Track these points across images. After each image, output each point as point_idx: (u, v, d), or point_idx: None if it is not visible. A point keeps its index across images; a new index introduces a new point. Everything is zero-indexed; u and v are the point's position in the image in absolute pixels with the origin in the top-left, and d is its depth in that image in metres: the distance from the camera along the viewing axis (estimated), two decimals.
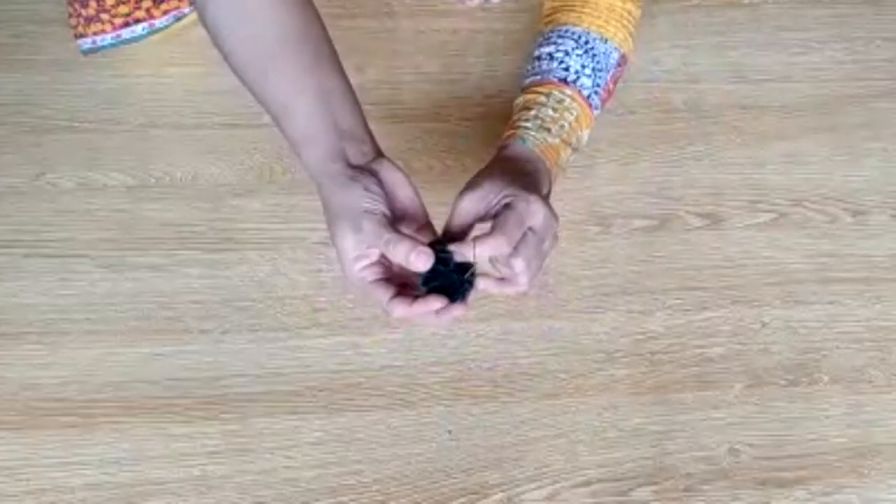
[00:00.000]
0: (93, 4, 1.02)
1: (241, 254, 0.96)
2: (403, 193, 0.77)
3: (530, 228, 0.77)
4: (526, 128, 0.87)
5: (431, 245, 0.74)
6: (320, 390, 0.89)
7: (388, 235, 0.73)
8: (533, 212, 0.77)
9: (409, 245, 0.73)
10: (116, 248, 0.95)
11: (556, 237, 0.80)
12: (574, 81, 0.89)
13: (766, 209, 1.00)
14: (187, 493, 0.84)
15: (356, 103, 0.80)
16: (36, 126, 1.02)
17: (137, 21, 1.04)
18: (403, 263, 0.73)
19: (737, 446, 0.88)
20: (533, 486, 0.86)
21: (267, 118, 1.03)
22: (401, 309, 0.74)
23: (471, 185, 0.79)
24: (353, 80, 0.82)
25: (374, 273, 0.75)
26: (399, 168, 0.77)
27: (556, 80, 0.89)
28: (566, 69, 0.90)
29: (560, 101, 0.89)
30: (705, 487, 0.86)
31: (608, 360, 0.92)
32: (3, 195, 0.98)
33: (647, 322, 0.94)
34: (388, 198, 0.76)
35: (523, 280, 0.77)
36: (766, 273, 0.97)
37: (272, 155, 1.01)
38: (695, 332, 0.93)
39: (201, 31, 1.08)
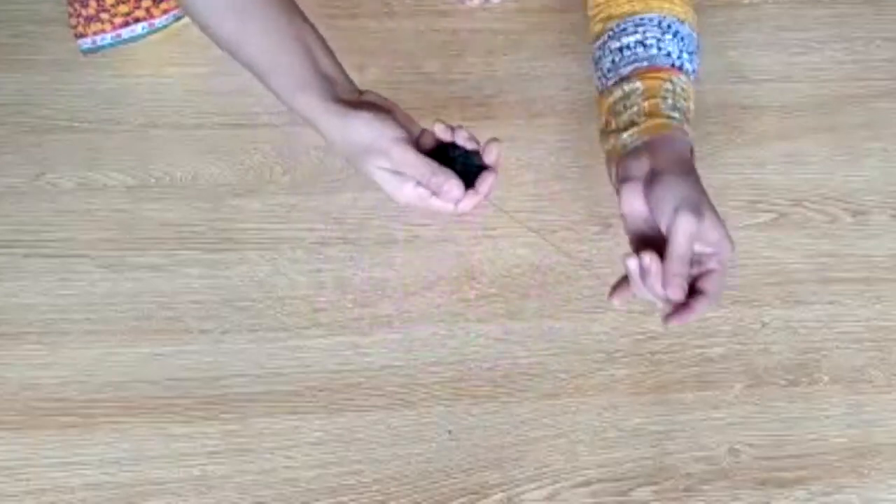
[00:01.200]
0: (93, 4, 1.02)
1: (241, 254, 0.96)
2: (399, 115, 0.82)
3: (716, 269, 0.76)
4: (676, 118, 0.83)
5: (444, 146, 0.82)
6: (320, 390, 0.89)
7: (425, 165, 0.79)
8: (723, 254, 0.76)
9: (443, 177, 0.79)
10: (116, 248, 0.95)
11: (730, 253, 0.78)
12: (681, 67, 0.88)
13: (766, 209, 1.00)
14: (187, 493, 0.84)
15: (330, 50, 0.84)
16: (36, 126, 1.02)
17: (137, 20, 1.04)
18: (436, 191, 0.80)
19: (737, 446, 0.88)
20: (533, 486, 0.86)
21: (267, 118, 1.04)
22: (469, 203, 0.80)
23: (693, 210, 0.74)
24: (353, 80, 0.83)
25: (422, 192, 0.80)
26: (382, 97, 0.83)
27: (667, 66, 0.87)
28: (668, 55, 0.87)
29: (684, 90, 0.87)
30: (705, 487, 0.86)
31: (608, 360, 0.92)
32: (3, 195, 0.98)
33: (647, 322, 0.94)
34: (391, 113, 0.81)
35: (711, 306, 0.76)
36: (766, 273, 0.97)
37: (272, 155, 1.01)
38: (695, 332, 0.93)
39: (201, 31, 1.08)
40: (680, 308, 0.75)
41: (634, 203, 0.79)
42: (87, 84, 1.05)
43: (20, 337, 0.91)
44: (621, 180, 0.80)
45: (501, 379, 0.91)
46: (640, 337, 0.93)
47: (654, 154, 0.80)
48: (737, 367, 0.92)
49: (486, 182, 0.81)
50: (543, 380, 0.91)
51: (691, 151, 0.83)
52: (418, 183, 0.80)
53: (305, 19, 0.85)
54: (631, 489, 0.86)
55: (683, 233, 0.74)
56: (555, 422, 0.89)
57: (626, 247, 0.98)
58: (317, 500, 0.85)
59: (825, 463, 0.88)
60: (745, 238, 0.98)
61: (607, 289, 0.95)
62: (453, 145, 0.83)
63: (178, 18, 1.06)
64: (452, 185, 0.79)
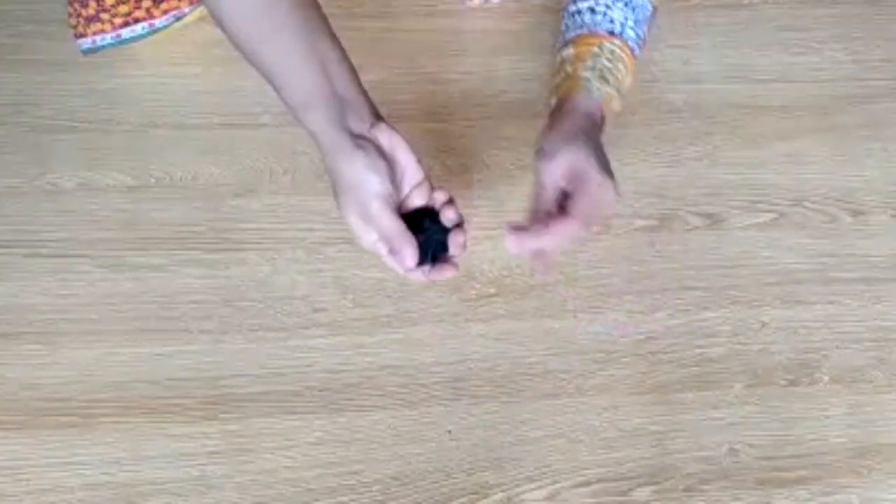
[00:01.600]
0: (93, 4, 1.02)
1: (241, 254, 0.96)
2: (402, 155, 0.81)
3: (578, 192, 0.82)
4: (587, 78, 0.90)
5: (421, 211, 0.82)
6: (320, 390, 0.89)
7: (393, 228, 0.80)
8: (607, 194, 0.83)
9: (404, 247, 0.80)
10: (116, 248, 0.95)
11: (607, 186, 0.84)
12: (621, 33, 0.92)
13: (766, 209, 1.00)
14: (187, 493, 0.84)
15: (352, 69, 0.83)
16: (36, 126, 1.02)
17: (137, 21, 1.04)
18: (394, 255, 0.81)
19: (737, 446, 0.88)
20: (533, 486, 0.86)
21: (267, 118, 1.04)
22: (416, 276, 0.83)
23: (550, 155, 0.83)
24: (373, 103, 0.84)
25: (381, 247, 0.82)
26: (395, 130, 0.81)
27: (604, 32, 0.92)
28: (611, 21, 0.92)
29: (612, 52, 0.91)
30: (705, 487, 0.86)
31: (608, 360, 0.92)
32: (3, 195, 0.98)
33: (647, 322, 0.94)
34: (389, 163, 0.80)
35: (575, 229, 0.82)
36: (766, 273, 0.97)
37: (272, 155, 1.01)
38: (695, 332, 0.93)
39: (201, 31, 1.08)
40: (532, 234, 0.81)
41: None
42: (87, 84, 1.05)
43: (20, 337, 0.91)
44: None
45: (501, 379, 0.91)
46: (640, 337, 0.93)
47: (555, 112, 0.89)
48: (737, 367, 0.92)
49: (441, 271, 0.83)
50: (543, 380, 0.91)
51: (601, 111, 0.89)
52: (382, 239, 0.81)
53: (330, 38, 0.83)
54: (631, 489, 0.86)
55: (537, 175, 0.82)
56: (555, 422, 0.89)
57: (625, 247, 0.98)
58: (317, 500, 0.85)
59: (825, 463, 0.88)
60: (745, 238, 0.98)
61: (607, 289, 0.95)
62: (434, 214, 0.83)
63: (178, 18, 1.06)
64: (406, 255, 0.80)
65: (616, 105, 0.92)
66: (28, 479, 0.85)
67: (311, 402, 0.89)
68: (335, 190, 0.81)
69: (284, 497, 0.85)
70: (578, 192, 0.82)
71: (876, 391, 0.91)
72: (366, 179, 0.79)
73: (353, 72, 0.84)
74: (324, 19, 0.85)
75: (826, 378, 0.92)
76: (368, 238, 0.81)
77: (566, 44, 0.94)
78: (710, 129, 1.05)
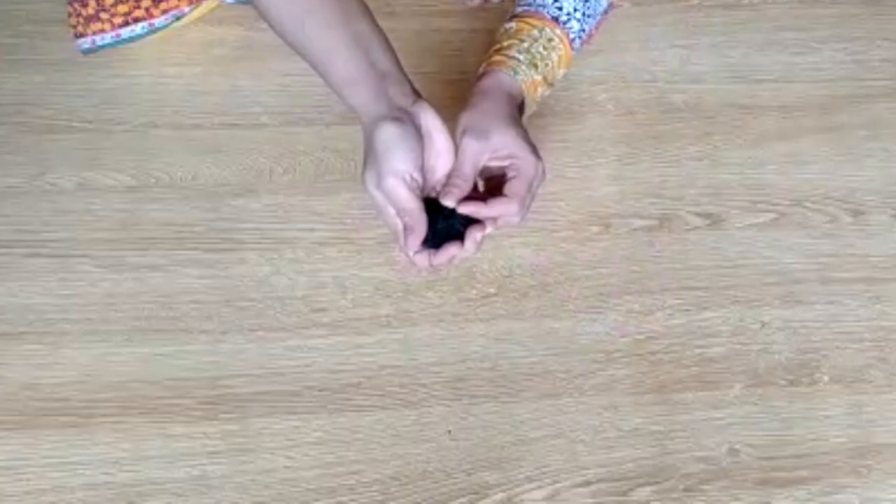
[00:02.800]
0: (92, 3, 1.02)
1: (241, 254, 0.96)
2: (438, 138, 0.82)
3: (515, 176, 0.85)
4: (518, 60, 0.91)
5: (433, 200, 0.83)
6: (320, 390, 0.89)
7: (407, 202, 0.81)
8: (537, 173, 0.85)
9: (414, 221, 0.81)
10: (116, 248, 0.95)
11: (540, 168, 0.86)
12: (565, 23, 0.93)
13: (766, 209, 1.00)
14: (187, 493, 0.84)
15: (391, 48, 0.85)
16: (36, 126, 1.02)
17: (137, 20, 1.04)
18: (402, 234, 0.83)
19: (737, 446, 0.88)
20: (533, 486, 0.86)
21: (266, 118, 1.04)
22: (420, 260, 0.85)
23: (477, 134, 0.85)
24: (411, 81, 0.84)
25: (398, 224, 0.83)
26: (436, 114, 0.82)
27: (548, 16, 0.93)
28: (559, 9, 0.93)
29: (550, 40, 0.92)
30: (705, 487, 0.86)
31: (608, 360, 0.92)
32: (3, 195, 0.98)
33: (647, 322, 0.94)
34: (424, 143, 0.82)
35: (518, 220, 0.86)
36: (766, 273, 0.97)
37: (272, 155, 1.01)
38: (695, 332, 0.93)
39: (201, 31, 1.09)
40: (477, 204, 0.83)
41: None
42: (86, 84, 1.05)
43: (20, 337, 0.91)
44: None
45: (501, 379, 0.91)
46: (640, 337, 0.93)
47: (476, 84, 0.91)
48: (737, 367, 0.92)
49: (446, 253, 0.84)
50: (543, 380, 0.91)
51: (521, 94, 0.91)
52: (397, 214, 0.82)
53: (366, 15, 0.85)
54: (631, 489, 0.86)
55: (462, 152, 0.84)
56: (555, 422, 0.89)
57: (625, 247, 0.98)
58: (317, 500, 0.85)
59: (825, 463, 0.87)
60: (745, 238, 0.98)
61: (607, 289, 0.95)
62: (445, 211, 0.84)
63: (177, 18, 1.06)
64: (414, 237, 0.82)
65: (540, 93, 0.93)
66: (28, 479, 0.85)
67: (310, 402, 0.89)
68: (364, 161, 0.82)
69: (284, 497, 0.85)
70: (516, 175, 0.84)
71: (876, 391, 0.91)
72: (390, 151, 0.80)
73: (392, 49, 0.85)
74: (361, 2, 0.86)
75: (826, 378, 0.92)
76: (386, 212, 0.82)
77: (511, 16, 0.95)
78: (710, 129, 1.05)
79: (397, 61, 0.85)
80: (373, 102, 0.81)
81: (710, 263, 0.97)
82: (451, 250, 0.84)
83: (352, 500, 0.85)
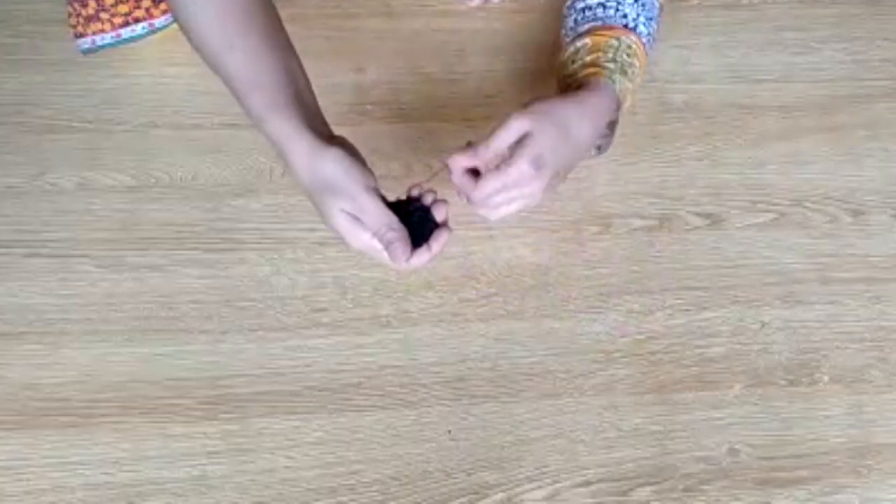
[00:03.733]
0: (92, 4, 1.02)
1: (241, 254, 0.96)
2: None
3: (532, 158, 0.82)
4: (610, 69, 0.90)
5: (399, 202, 0.82)
6: (320, 390, 0.89)
7: (389, 219, 0.79)
8: (526, 175, 0.82)
9: (396, 238, 0.79)
10: (116, 248, 0.95)
11: (535, 200, 0.84)
12: (635, 28, 0.93)
13: (766, 209, 1.00)
14: (187, 493, 0.84)
15: (309, 83, 0.83)
16: (36, 126, 1.02)
17: (137, 20, 1.04)
18: (387, 250, 0.80)
19: (737, 446, 0.88)
20: (533, 486, 0.86)
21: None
22: (418, 260, 0.81)
23: (530, 111, 0.83)
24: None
25: (376, 244, 0.80)
26: (349, 143, 0.81)
27: (619, 26, 0.92)
28: (625, 17, 0.93)
29: (629, 47, 0.91)
30: (705, 487, 0.86)
31: (608, 360, 0.92)
32: (3, 195, 0.98)
33: (647, 322, 0.94)
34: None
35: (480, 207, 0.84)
36: (766, 273, 0.97)
37: (272, 155, 1.01)
38: (695, 332, 0.93)
39: None
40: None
41: None
42: (86, 84, 1.05)
43: (20, 337, 0.91)
44: None
45: (501, 379, 0.91)
46: (640, 337, 0.93)
47: (572, 92, 0.88)
48: (737, 367, 0.92)
49: (439, 240, 0.82)
50: (543, 380, 0.91)
51: (617, 102, 0.89)
52: (375, 233, 0.80)
53: (291, 47, 0.83)
54: (631, 489, 0.86)
55: (507, 122, 0.82)
56: (555, 422, 0.89)
57: (625, 247, 0.98)
58: (317, 500, 0.85)
59: (825, 463, 0.88)
60: (745, 238, 0.98)
61: (607, 289, 0.95)
62: (413, 199, 0.83)
63: None
64: (400, 247, 0.79)
65: (632, 98, 0.93)
66: (28, 479, 0.85)
67: (310, 402, 0.89)
68: (314, 194, 0.79)
69: (284, 497, 0.85)
70: (517, 151, 0.82)
71: (876, 391, 0.91)
72: (350, 172, 0.78)
73: (311, 88, 0.83)
74: (282, 24, 0.84)
75: (826, 378, 0.92)
76: (362, 237, 0.80)
77: (579, 35, 0.93)
78: (710, 129, 1.05)
79: (316, 101, 0.83)
80: (305, 132, 0.78)
81: (710, 263, 0.97)
82: (442, 237, 0.82)
83: (352, 500, 0.85)
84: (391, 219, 0.79)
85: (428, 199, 0.83)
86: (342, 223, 0.79)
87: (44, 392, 0.88)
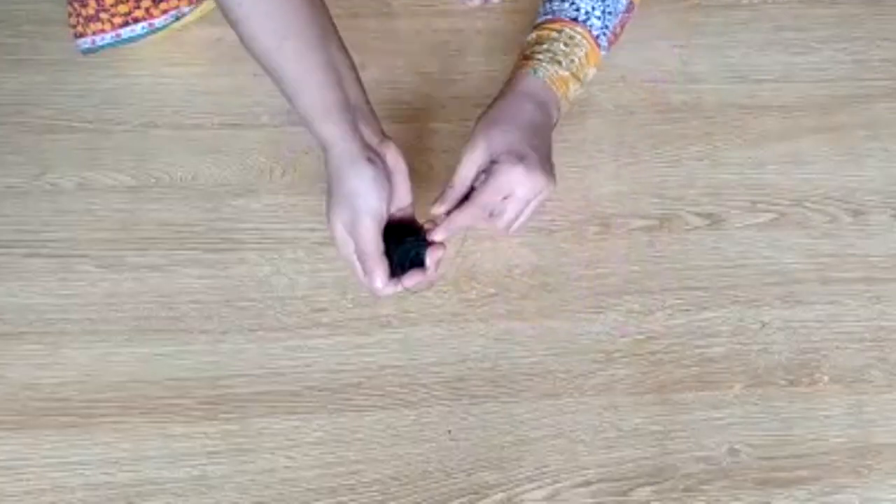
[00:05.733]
0: (92, 4, 1.02)
1: (241, 254, 0.96)
2: (399, 178, 0.85)
3: (508, 196, 0.87)
4: (538, 59, 0.92)
5: (403, 226, 0.86)
6: (320, 390, 0.89)
7: (371, 249, 0.83)
8: (514, 182, 0.86)
9: (374, 273, 0.84)
10: (116, 248, 0.95)
11: (544, 183, 0.88)
12: (584, 21, 0.94)
13: (766, 209, 1.00)
14: (187, 493, 0.84)
15: (359, 78, 0.85)
16: (36, 126, 1.02)
17: (137, 20, 1.04)
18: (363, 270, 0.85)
19: (737, 446, 0.88)
20: (533, 486, 0.86)
21: (267, 118, 1.04)
22: (391, 290, 0.86)
23: (473, 140, 0.87)
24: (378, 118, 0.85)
25: (356, 262, 0.85)
26: (402, 157, 0.85)
27: (567, 18, 0.93)
28: (577, 10, 0.94)
29: (571, 38, 0.93)
30: (705, 487, 0.86)
31: (608, 360, 0.92)
32: (3, 195, 0.98)
33: (647, 322, 0.94)
34: (389, 182, 0.84)
35: (501, 231, 0.90)
36: (766, 273, 0.97)
37: (272, 155, 1.01)
38: (695, 332, 0.93)
39: (201, 31, 1.09)
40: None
41: None
42: (86, 84, 1.05)
43: (20, 337, 0.91)
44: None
45: (501, 379, 0.91)
46: (640, 337, 0.93)
47: (499, 93, 0.92)
48: (737, 367, 0.92)
49: (411, 278, 0.86)
50: (543, 380, 0.91)
51: (551, 93, 0.92)
52: (356, 253, 0.84)
53: (342, 47, 0.85)
54: (631, 489, 0.86)
55: (461, 158, 0.87)
56: (555, 422, 0.89)
57: (625, 247, 0.98)
58: (317, 500, 0.85)
59: (825, 463, 0.87)
60: (745, 238, 0.98)
61: (607, 289, 0.95)
62: (414, 228, 0.87)
63: (177, 18, 1.06)
64: (376, 276, 0.84)
65: (573, 87, 0.94)
66: (28, 479, 0.85)
67: (310, 402, 0.89)
68: (330, 193, 0.83)
69: (284, 497, 0.85)
70: (484, 181, 0.86)
71: (876, 391, 0.91)
72: (367, 193, 0.81)
73: (360, 80, 0.85)
74: (333, 24, 0.85)
75: (826, 378, 0.92)
76: (347, 249, 0.84)
77: (532, 29, 0.96)
78: (710, 129, 1.05)
79: (365, 93, 0.85)
80: (344, 138, 0.81)
81: (710, 263, 0.97)
82: (416, 276, 0.86)
83: (352, 500, 0.85)
84: (372, 250, 0.83)
85: (432, 236, 0.86)
86: (338, 231, 0.83)
87: (44, 392, 0.88)
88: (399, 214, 0.87)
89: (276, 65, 0.82)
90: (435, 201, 0.87)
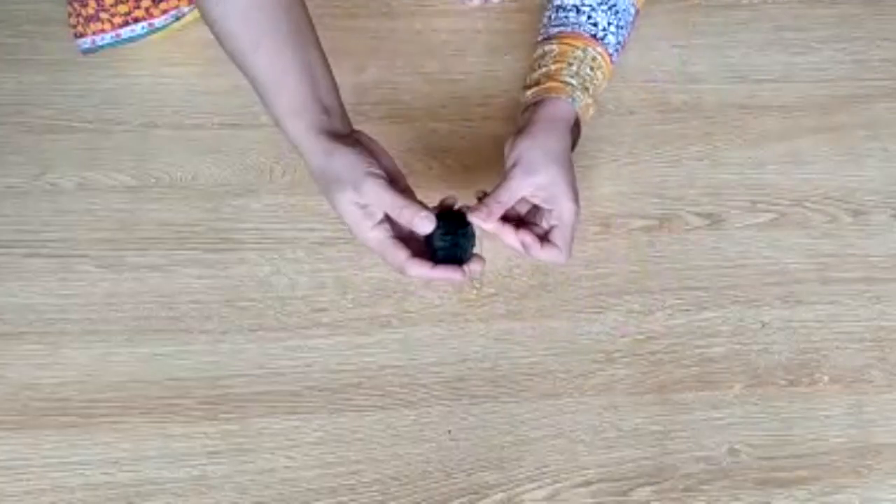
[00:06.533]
0: (92, 3, 1.02)
1: (241, 254, 0.96)
2: (384, 161, 0.83)
3: (559, 227, 0.85)
4: (572, 85, 0.91)
5: (451, 212, 0.83)
6: (320, 390, 0.89)
7: (395, 199, 0.79)
8: (575, 217, 0.85)
9: (413, 209, 0.79)
10: (116, 248, 0.95)
11: (578, 213, 0.87)
12: (602, 39, 0.94)
13: (766, 209, 1.00)
14: (187, 493, 0.84)
15: (332, 76, 0.85)
16: (36, 126, 1.02)
17: (137, 20, 1.04)
18: (408, 226, 0.80)
19: (737, 446, 0.88)
20: (533, 486, 0.86)
21: (266, 118, 1.03)
22: (417, 270, 0.81)
23: (526, 169, 0.85)
24: (352, 80, 0.84)
25: (387, 231, 0.81)
26: (373, 139, 0.84)
27: (587, 35, 0.93)
28: (595, 25, 0.94)
29: (594, 59, 0.93)
30: (705, 487, 0.86)
31: (608, 360, 0.92)
32: (3, 195, 0.98)
33: (647, 322, 0.94)
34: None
35: (562, 259, 0.86)
36: (766, 273, 0.97)
37: (272, 155, 1.01)
38: (695, 332, 0.93)
39: (201, 31, 1.08)
40: (532, 247, 0.85)
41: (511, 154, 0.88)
42: (86, 84, 1.05)
43: (20, 337, 0.91)
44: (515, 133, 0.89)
45: (501, 379, 0.91)
46: (640, 337, 0.93)
47: (534, 112, 0.90)
48: (737, 367, 0.92)
49: (443, 271, 0.82)
50: (543, 380, 0.91)
51: (576, 118, 0.92)
52: (379, 223, 0.80)
53: (317, 46, 0.85)
54: (631, 489, 0.86)
55: (508, 181, 0.85)
56: (555, 422, 0.89)
57: (625, 247, 0.98)
58: (317, 500, 0.85)
59: (825, 463, 0.88)
60: (745, 238, 0.98)
61: (607, 289, 0.95)
62: (458, 223, 0.84)
63: (177, 18, 1.06)
64: (422, 218, 0.80)
65: (591, 112, 0.95)
66: (28, 479, 0.85)
67: (310, 402, 0.89)
68: (326, 192, 0.82)
69: (284, 497, 0.85)
70: (558, 224, 0.85)
71: (876, 391, 0.91)
72: (354, 163, 0.80)
73: (333, 78, 0.85)
74: (311, 22, 0.85)
75: (826, 378, 0.92)
76: (366, 228, 0.80)
77: (548, 38, 0.95)
78: (710, 129, 1.05)
79: (337, 90, 0.85)
80: (316, 134, 0.81)
81: (710, 263, 0.97)
82: (450, 273, 0.83)
83: (352, 500, 0.85)
84: (404, 200, 0.80)
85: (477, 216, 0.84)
86: (351, 215, 0.81)
87: (44, 392, 0.88)
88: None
89: (252, 65, 0.82)
90: (477, 204, 0.85)
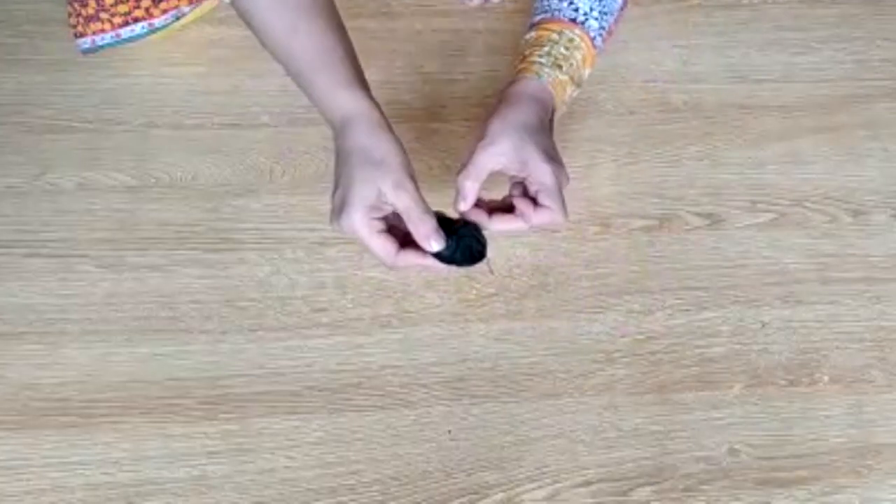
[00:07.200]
0: (92, 3, 1.02)
1: (241, 254, 0.96)
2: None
3: (542, 189, 0.85)
4: (540, 63, 0.91)
5: (440, 218, 0.82)
6: (320, 390, 0.89)
7: (421, 210, 0.80)
8: (557, 178, 0.85)
9: (431, 227, 0.80)
10: (116, 248, 0.95)
11: (565, 174, 0.87)
12: (583, 23, 0.93)
13: (766, 209, 1.00)
14: (187, 493, 0.84)
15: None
16: (36, 126, 1.02)
17: (137, 20, 1.04)
18: (417, 239, 0.81)
19: (737, 446, 0.88)
20: (533, 486, 0.86)
21: (266, 118, 1.04)
22: (406, 260, 0.82)
23: (488, 141, 0.85)
24: None
25: (381, 225, 0.81)
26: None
27: (566, 19, 0.93)
28: (576, 10, 0.94)
29: (571, 41, 0.93)
30: (705, 487, 0.86)
31: (608, 360, 0.92)
32: (3, 195, 0.98)
33: (647, 322, 0.94)
34: None
35: (559, 218, 0.86)
36: (766, 273, 0.97)
37: (272, 155, 1.01)
38: (695, 332, 0.93)
39: (201, 31, 1.09)
40: (526, 214, 0.85)
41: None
42: (86, 84, 1.05)
43: (20, 337, 0.91)
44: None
45: (501, 379, 0.91)
46: (640, 337, 0.93)
47: (502, 93, 0.91)
48: (737, 367, 0.92)
49: (437, 268, 0.83)
50: (543, 380, 0.91)
51: (550, 96, 0.91)
52: (388, 230, 0.81)
53: (346, 28, 0.87)
54: (631, 489, 0.86)
55: (474, 157, 0.85)
56: (555, 422, 0.89)
57: (625, 247, 0.98)
58: (317, 500, 0.85)
59: (825, 463, 0.88)
60: (745, 238, 0.98)
61: (607, 289, 0.95)
62: (457, 220, 0.84)
63: (177, 18, 1.06)
64: (429, 229, 0.80)
65: (569, 93, 0.94)
66: (28, 479, 0.85)
67: (310, 402, 0.89)
68: (358, 168, 0.80)
69: (284, 497, 0.85)
70: (539, 188, 0.85)
71: (876, 391, 0.91)
72: (403, 157, 0.81)
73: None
74: (335, 6, 0.87)
75: (826, 378, 0.92)
76: (371, 216, 0.80)
77: (531, 27, 0.95)
78: (710, 129, 1.05)
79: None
80: (371, 107, 0.82)
81: (710, 263, 0.97)
82: (410, 258, 0.82)
83: (352, 500, 0.85)
84: (424, 207, 0.80)
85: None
86: (367, 200, 0.80)
87: (44, 392, 0.88)
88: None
89: (291, 49, 0.84)
90: (455, 201, 0.85)
